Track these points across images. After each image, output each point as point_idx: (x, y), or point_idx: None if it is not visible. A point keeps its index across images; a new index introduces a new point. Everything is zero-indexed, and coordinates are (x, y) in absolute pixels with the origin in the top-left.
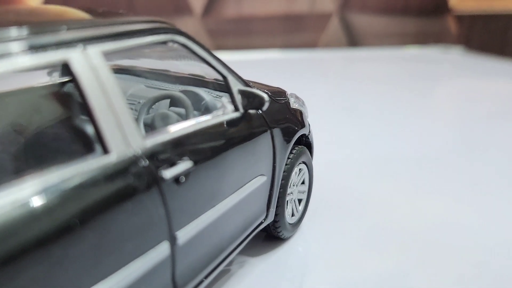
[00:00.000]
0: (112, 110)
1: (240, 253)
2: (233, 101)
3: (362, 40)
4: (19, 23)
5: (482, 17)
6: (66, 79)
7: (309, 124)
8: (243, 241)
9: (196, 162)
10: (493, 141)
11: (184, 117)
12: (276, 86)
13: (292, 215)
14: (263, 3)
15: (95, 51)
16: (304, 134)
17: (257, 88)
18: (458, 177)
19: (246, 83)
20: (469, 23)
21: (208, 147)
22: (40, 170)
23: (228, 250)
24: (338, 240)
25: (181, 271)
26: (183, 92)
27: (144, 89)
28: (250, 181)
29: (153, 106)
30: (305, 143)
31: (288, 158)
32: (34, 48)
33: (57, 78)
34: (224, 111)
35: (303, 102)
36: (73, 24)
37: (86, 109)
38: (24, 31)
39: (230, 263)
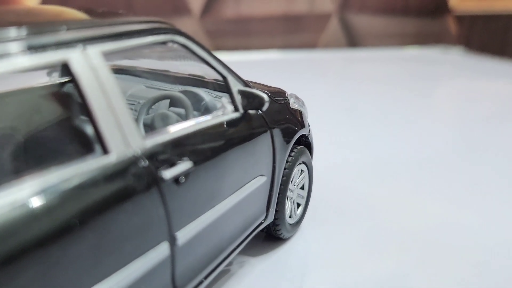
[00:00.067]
0: (111, 110)
1: (240, 253)
2: (233, 101)
3: (361, 41)
4: (18, 23)
5: (482, 17)
6: (65, 79)
7: (309, 125)
8: (243, 241)
9: (196, 163)
10: (493, 141)
11: (184, 118)
12: (276, 87)
13: (292, 215)
14: (262, 3)
15: (94, 51)
16: (304, 135)
17: (257, 89)
18: (458, 177)
19: (246, 83)
20: (469, 24)
21: (208, 148)
22: (39, 170)
23: (228, 251)
24: (338, 240)
25: (180, 271)
26: (183, 92)
27: (144, 89)
28: (250, 181)
29: (153, 107)
30: (305, 143)
31: (288, 158)
32: (34, 48)
33: (56, 78)
34: (224, 111)
35: (303, 103)
36: (72, 24)
37: (85, 109)
38: (23, 31)
39: (230, 263)
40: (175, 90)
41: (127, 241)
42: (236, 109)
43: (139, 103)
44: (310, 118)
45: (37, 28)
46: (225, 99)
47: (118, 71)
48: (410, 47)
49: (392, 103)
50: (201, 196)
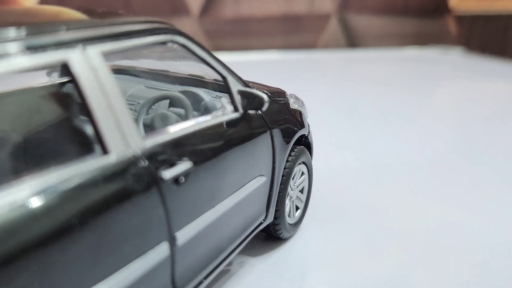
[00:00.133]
0: (111, 110)
1: (240, 253)
2: (232, 101)
3: (361, 41)
4: (18, 24)
5: (482, 18)
6: (65, 79)
7: (308, 125)
8: (242, 241)
9: (195, 163)
10: (493, 142)
11: (184, 118)
12: (275, 87)
13: (292, 215)
14: (261, 3)
15: (94, 51)
16: (304, 135)
17: (257, 89)
18: (458, 177)
19: (245, 83)
20: (469, 24)
21: (208, 148)
22: (39, 170)
23: (228, 251)
24: (338, 240)
25: (180, 271)
26: (183, 92)
27: (144, 89)
28: (250, 181)
29: (152, 107)
30: (305, 143)
31: (288, 158)
32: (34, 49)
33: (56, 78)
34: (224, 111)
35: (302, 103)
36: (72, 24)
37: (85, 110)
38: (23, 32)
39: (230, 263)
40: (175, 90)
41: (127, 241)
42: (236, 109)
43: (139, 103)
44: (310, 118)
45: (37, 28)
46: (224, 99)
47: (118, 71)
48: (410, 48)
49: (392, 103)
50: (201, 196)
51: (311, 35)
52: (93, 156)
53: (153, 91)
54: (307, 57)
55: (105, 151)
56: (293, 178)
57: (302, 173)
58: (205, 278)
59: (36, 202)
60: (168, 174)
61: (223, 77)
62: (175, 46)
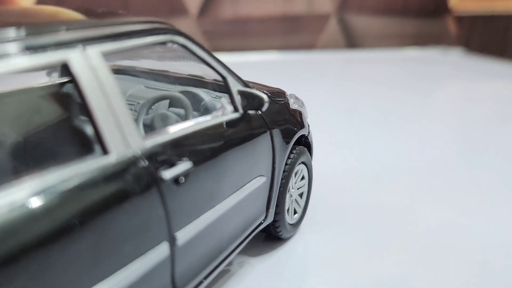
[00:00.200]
0: (111, 110)
1: (240, 253)
2: (232, 101)
3: (360, 42)
4: (17, 24)
5: (482, 18)
6: (65, 79)
7: (308, 125)
8: (242, 241)
9: (195, 163)
10: (493, 142)
11: (184, 118)
12: (275, 87)
13: (292, 215)
14: (260, 3)
15: (94, 51)
16: (304, 135)
17: (257, 89)
18: (458, 178)
19: (245, 83)
20: (469, 24)
21: (208, 148)
22: (39, 170)
23: (228, 251)
24: (338, 240)
25: (180, 271)
26: (183, 92)
27: (144, 89)
28: (250, 181)
29: (152, 107)
30: (305, 143)
31: (288, 158)
32: (34, 49)
33: (56, 78)
34: (224, 111)
35: (302, 103)
36: (72, 24)
37: (85, 110)
38: (23, 32)
39: (230, 263)
40: (175, 90)
41: (127, 241)
42: (235, 109)
43: (138, 103)
44: (310, 119)
45: (37, 28)
46: (224, 99)
47: (118, 71)
48: (409, 48)
49: (392, 103)
50: (201, 196)
51: (310, 35)
52: (93, 156)
53: (153, 91)
54: (306, 57)
55: (105, 151)
56: (294, 177)
57: (302, 173)
58: (205, 278)
59: (36, 202)
60: (168, 174)
61: (223, 77)
62: (175, 46)
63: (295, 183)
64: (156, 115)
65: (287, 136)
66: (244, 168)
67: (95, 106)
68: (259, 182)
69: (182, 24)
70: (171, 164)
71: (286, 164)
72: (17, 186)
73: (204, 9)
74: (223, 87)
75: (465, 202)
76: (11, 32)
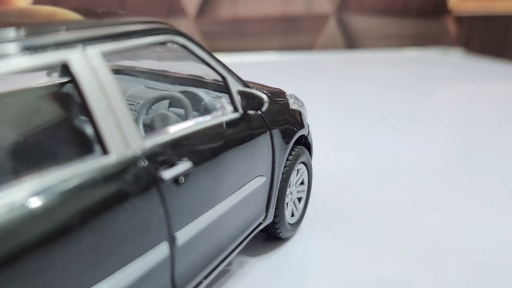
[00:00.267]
0: (111, 110)
1: (240, 253)
2: (232, 101)
3: (360, 42)
4: (16, 24)
5: (482, 18)
6: (65, 79)
7: (308, 125)
8: (242, 241)
9: (195, 163)
10: (493, 143)
11: (184, 118)
12: (275, 87)
13: (292, 215)
14: (259, 4)
15: (94, 51)
16: (304, 135)
17: (257, 89)
18: (458, 178)
19: (245, 83)
20: (469, 25)
21: (208, 148)
22: (39, 170)
23: (228, 251)
24: (338, 240)
25: (180, 271)
26: (183, 92)
27: (144, 89)
28: (250, 181)
29: (152, 107)
30: (305, 143)
31: (288, 158)
32: (34, 49)
33: (56, 78)
34: (224, 111)
35: (302, 103)
36: (72, 24)
37: (85, 110)
38: (23, 32)
39: (230, 263)
40: (175, 90)
41: (126, 241)
42: (235, 109)
43: (138, 103)
44: (310, 119)
45: (37, 28)
46: (224, 99)
47: (118, 71)
48: (409, 49)
49: (392, 104)
50: (200, 196)
51: (309, 36)
52: (93, 156)
53: (153, 91)
54: (305, 58)
55: (105, 151)
56: (296, 176)
57: (302, 173)
58: (205, 278)
59: (36, 203)
60: (168, 174)
61: (223, 77)
62: (175, 46)
63: (294, 183)
64: (156, 115)
65: (287, 136)
66: (244, 168)
67: (95, 106)
68: (259, 182)
69: (180, 24)
70: (171, 164)
71: (286, 164)
72: (17, 186)
73: (203, 10)
74: (223, 87)
75: (465, 202)
76: (11, 32)
